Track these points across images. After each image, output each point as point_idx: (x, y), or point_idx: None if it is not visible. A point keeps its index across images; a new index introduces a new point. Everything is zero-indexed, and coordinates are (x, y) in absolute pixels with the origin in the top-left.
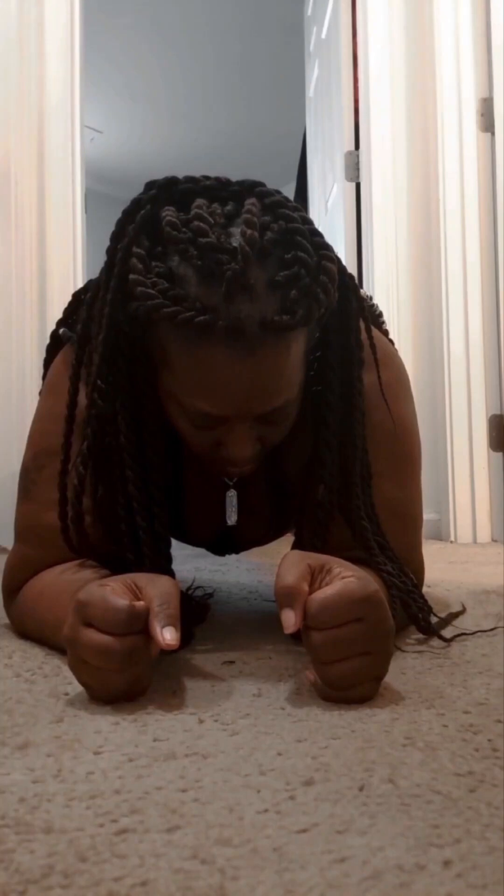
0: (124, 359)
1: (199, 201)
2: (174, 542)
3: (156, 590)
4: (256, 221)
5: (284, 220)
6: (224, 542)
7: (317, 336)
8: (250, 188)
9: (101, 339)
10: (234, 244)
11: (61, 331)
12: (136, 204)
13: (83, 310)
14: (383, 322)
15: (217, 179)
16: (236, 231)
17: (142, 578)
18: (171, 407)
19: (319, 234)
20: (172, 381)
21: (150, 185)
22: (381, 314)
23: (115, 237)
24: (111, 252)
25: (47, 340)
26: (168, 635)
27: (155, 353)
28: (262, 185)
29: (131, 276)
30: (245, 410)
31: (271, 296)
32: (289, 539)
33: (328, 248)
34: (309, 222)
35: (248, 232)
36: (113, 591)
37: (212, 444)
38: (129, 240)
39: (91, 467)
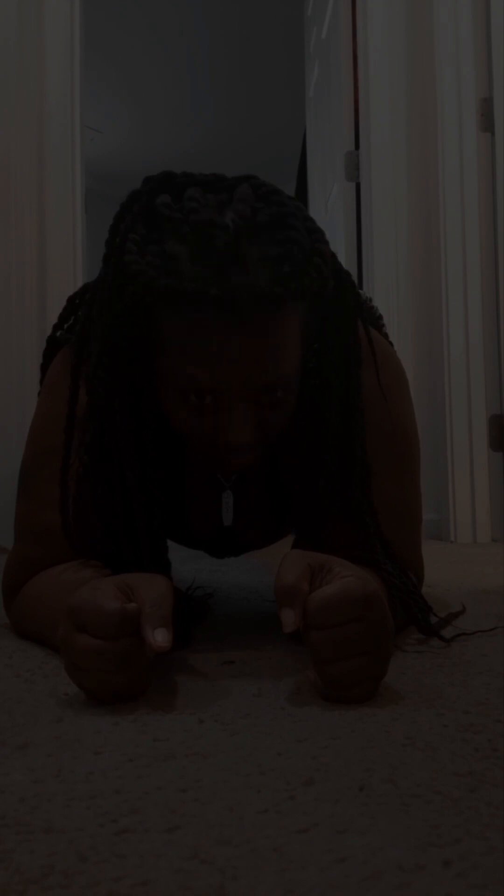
0: (123, 355)
1: (193, 189)
2: (174, 543)
3: (148, 591)
4: (249, 205)
5: (277, 205)
6: (223, 545)
7: (314, 328)
8: (244, 180)
9: (101, 330)
10: (228, 221)
11: (58, 333)
12: (134, 196)
13: (83, 309)
14: (383, 325)
15: (213, 174)
16: (229, 212)
17: (135, 579)
18: (168, 393)
19: (313, 221)
20: (167, 361)
21: (147, 180)
22: (380, 317)
23: (113, 229)
24: (109, 243)
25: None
26: (160, 637)
27: (151, 339)
28: (256, 177)
29: (126, 257)
30: (239, 383)
31: (264, 269)
32: (289, 539)
33: (321, 233)
34: (302, 210)
35: (241, 207)
36: (104, 595)
37: (210, 431)
38: (125, 227)
39: (90, 466)
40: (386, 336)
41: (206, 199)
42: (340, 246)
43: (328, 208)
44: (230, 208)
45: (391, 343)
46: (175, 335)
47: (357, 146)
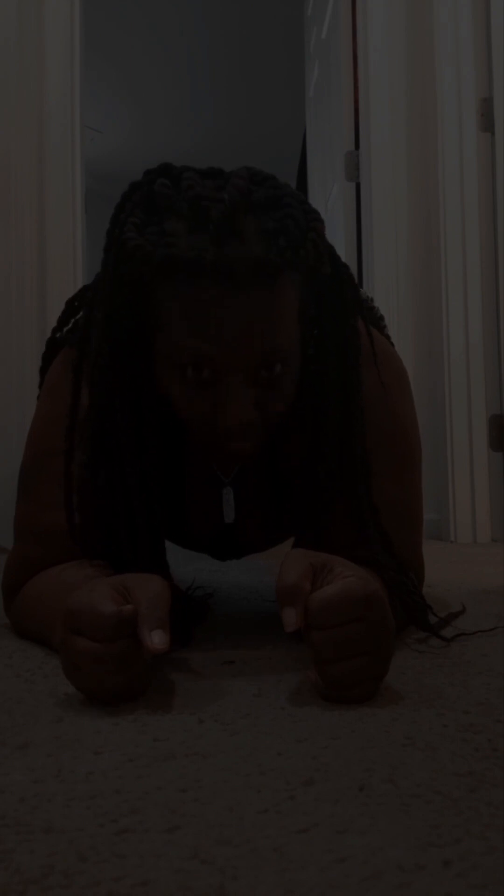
0: (124, 346)
1: (190, 172)
2: (174, 544)
3: (145, 592)
4: (245, 183)
5: (273, 188)
6: (224, 545)
7: (311, 307)
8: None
9: (102, 318)
10: (224, 196)
11: (57, 335)
12: (134, 186)
13: (84, 310)
14: (384, 326)
15: (210, 167)
16: (226, 190)
17: (132, 580)
18: (167, 373)
19: (308, 203)
20: (166, 336)
21: (147, 172)
22: (382, 317)
23: (114, 219)
24: (110, 233)
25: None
26: (156, 639)
27: (150, 317)
28: (252, 167)
29: (125, 236)
30: (237, 353)
31: (260, 241)
32: (290, 542)
33: (317, 213)
34: (298, 194)
35: (238, 183)
36: (100, 597)
37: (210, 411)
38: (125, 215)
39: (91, 464)
40: (388, 337)
41: (203, 181)
42: (340, 246)
43: (328, 208)
44: (227, 188)
45: (392, 344)
46: (173, 308)
47: (357, 146)
